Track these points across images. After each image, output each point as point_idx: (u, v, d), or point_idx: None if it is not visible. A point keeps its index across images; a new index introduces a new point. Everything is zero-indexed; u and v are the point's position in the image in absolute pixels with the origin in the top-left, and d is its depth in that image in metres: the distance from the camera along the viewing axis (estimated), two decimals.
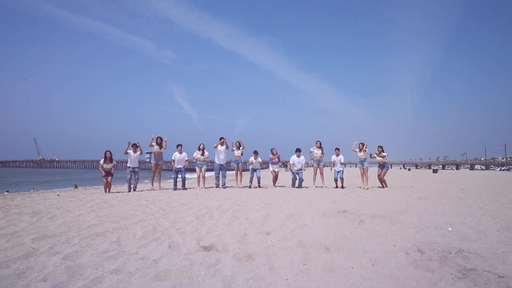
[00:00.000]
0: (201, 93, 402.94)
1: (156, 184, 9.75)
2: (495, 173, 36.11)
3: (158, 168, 9.45)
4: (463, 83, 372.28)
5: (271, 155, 10.21)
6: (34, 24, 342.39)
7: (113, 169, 8.93)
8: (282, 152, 10.35)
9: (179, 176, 9.62)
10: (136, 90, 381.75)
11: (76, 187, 16.67)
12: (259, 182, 9.89)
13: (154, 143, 9.37)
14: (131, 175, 9.14)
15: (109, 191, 8.85)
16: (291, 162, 9.94)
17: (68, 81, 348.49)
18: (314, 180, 10.05)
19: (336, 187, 10.02)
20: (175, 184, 9.51)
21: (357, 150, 9.91)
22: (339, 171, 9.80)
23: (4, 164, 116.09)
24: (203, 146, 9.64)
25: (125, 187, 11.20)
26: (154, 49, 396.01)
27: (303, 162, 9.92)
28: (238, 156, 9.90)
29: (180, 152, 9.59)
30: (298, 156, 9.91)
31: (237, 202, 5.98)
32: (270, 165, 10.34)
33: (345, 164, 10.17)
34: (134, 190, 9.11)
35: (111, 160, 8.91)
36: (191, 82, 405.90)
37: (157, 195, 7.60)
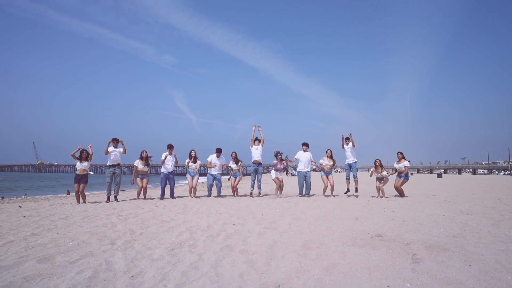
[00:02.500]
0: (201, 98, 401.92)
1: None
2: (501, 178, 34.74)
3: (143, 184, 8.00)
4: (463, 87, 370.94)
5: (274, 161, 8.82)
6: (35, 29, 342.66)
7: (87, 174, 7.45)
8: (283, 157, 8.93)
9: (168, 184, 8.28)
10: (136, 95, 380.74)
11: (68, 193, 16.00)
12: (259, 187, 8.57)
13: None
14: (111, 178, 7.75)
15: (83, 201, 7.48)
16: (296, 157, 8.59)
17: (68, 85, 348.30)
18: (324, 192, 8.66)
19: (347, 190, 8.74)
20: (163, 194, 8.21)
21: (375, 174, 8.41)
22: (351, 163, 8.52)
23: (3, 168, 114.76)
24: (195, 153, 8.38)
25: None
26: (154, 54, 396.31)
27: (311, 159, 8.55)
28: (236, 169, 8.73)
29: (171, 154, 8.31)
30: (305, 151, 8.57)
31: (233, 220, 4.63)
32: (272, 171, 8.92)
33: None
34: (115, 198, 7.74)
35: (86, 159, 7.36)
36: (192, 87, 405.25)
37: (136, 207, 6.26)
